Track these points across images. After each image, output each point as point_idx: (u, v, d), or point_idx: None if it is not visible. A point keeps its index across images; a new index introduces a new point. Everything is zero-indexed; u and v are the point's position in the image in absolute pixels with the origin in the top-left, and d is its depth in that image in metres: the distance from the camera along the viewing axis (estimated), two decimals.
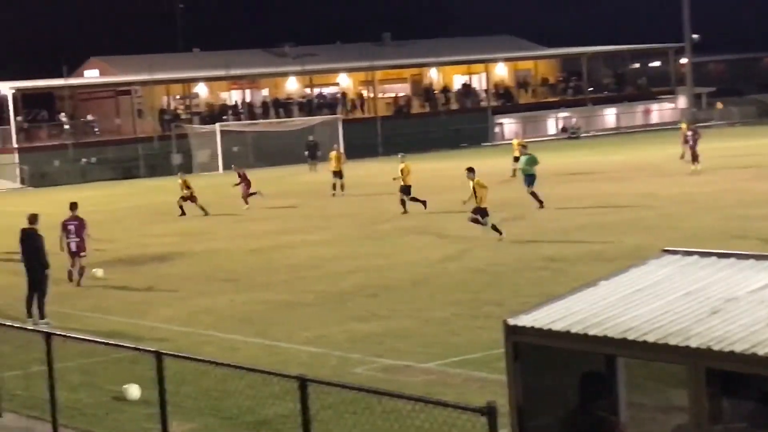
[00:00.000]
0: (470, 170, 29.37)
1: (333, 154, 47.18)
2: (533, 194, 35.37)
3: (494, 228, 28.53)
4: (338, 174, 45.72)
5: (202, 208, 40.28)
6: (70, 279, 25.79)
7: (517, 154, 46.54)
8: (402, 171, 37.05)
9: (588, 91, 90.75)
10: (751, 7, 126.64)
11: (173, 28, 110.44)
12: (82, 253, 25.88)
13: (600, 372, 7.69)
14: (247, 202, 41.72)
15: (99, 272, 26.84)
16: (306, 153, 66.55)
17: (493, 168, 47.75)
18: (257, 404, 12.33)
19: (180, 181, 42.28)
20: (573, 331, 7.18)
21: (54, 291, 22.73)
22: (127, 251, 31.44)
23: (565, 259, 24.60)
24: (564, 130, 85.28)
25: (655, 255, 8.26)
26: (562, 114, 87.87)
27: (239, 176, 43.21)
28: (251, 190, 42.21)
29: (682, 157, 48.91)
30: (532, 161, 36.26)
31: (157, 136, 72.83)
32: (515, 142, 49.11)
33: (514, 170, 45.35)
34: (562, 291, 8.43)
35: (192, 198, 40.88)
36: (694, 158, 44.61)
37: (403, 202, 36.70)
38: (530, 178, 35.93)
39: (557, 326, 7.30)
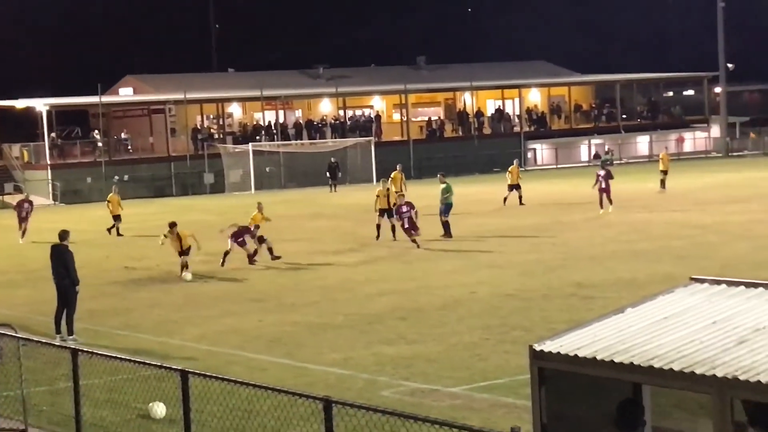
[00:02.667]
0: (172, 225, 30.26)
1: (395, 174, 46.36)
2: (447, 223, 35.91)
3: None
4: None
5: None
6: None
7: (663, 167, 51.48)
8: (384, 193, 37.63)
9: (621, 118, 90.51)
10: None
11: (208, 48, 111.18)
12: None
13: (638, 400, 7.64)
14: (23, 236, 42.04)
15: (188, 276, 28.98)
16: (327, 174, 66.87)
17: (525, 194, 47.67)
18: (282, 425, 12.33)
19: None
20: (599, 357, 7.14)
21: (84, 308, 22.84)
22: (158, 269, 31.56)
23: (595, 285, 24.52)
24: (596, 156, 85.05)
25: (683, 283, 8.21)
26: (595, 141, 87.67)
27: (20, 206, 43.51)
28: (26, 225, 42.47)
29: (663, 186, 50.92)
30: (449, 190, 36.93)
31: (189, 155, 73.18)
32: None
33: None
34: (591, 317, 8.39)
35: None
36: (606, 200, 41.89)
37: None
38: (449, 207, 36.36)
39: (583, 352, 7.26)
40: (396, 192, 44.34)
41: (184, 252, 29.73)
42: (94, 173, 70.00)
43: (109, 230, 42.73)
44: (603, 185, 42.00)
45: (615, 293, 22.88)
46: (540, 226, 38.12)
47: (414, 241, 33.57)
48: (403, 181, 46.00)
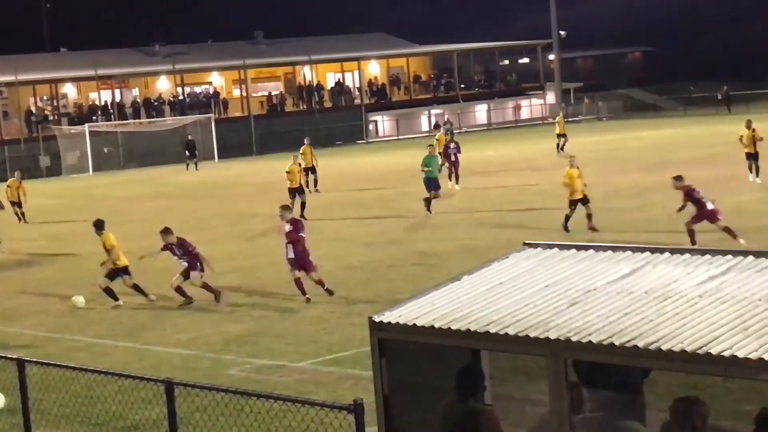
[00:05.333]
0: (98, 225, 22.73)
1: (304, 148, 42.97)
2: (427, 200, 33.05)
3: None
4: (312, 170, 42.16)
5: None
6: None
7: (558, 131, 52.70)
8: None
9: (459, 87, 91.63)
10: (617, 3, 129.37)
11: (39, 27, 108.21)
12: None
13: (477, 366, 7.74)
14: None
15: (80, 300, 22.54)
16: (186, 153, 65.87)
17: (367, 166, 47.87)
18: (126, 409, 12.16)
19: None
20: (437, 326, 7.21)
21: None
22: None
23: (438, 254, 24.81)
24: (436, 127, 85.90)
25: (517, 248, 8.35)
26: (435, 111, 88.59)
27: None
28: None
29: (561, 149, 51.52)
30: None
31: (23, 139, 71.26)
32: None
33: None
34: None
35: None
36: (454, 175, 40.24)
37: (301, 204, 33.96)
38: (429, 183, 33.55)
39: (421, 322, 7.32)
40: (304, 167, 39.50)
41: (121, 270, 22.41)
42: None
43: (20, 219, 39.80)
44: (453, 158, 40.62)
45: (457, 261, 23.18)
46: (383, 198, 38.36)
47: (303, 288, 21.04)
48: (313, 155, 42.47)
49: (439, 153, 44.43)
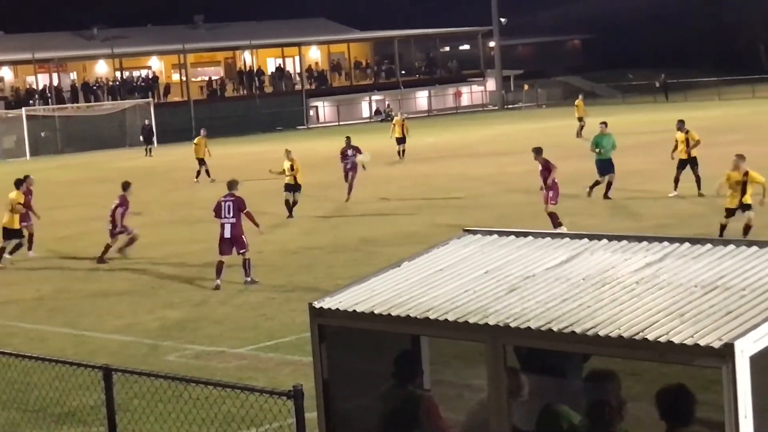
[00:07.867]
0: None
1: (199, 139, 43.39)
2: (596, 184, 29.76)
3: None
4: (202, 161, 42.94)
5: None
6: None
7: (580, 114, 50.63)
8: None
9: (400, 74, 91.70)
10: None
11: None
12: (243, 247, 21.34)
13: (414, 352, 7.77)
14: None
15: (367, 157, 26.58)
16: (141, 138, 65.20)
17: (307, 152, 47.79)
18: (63, 396, 12.02)
19: None
20: (377, 312, 7.21)
21: None
22: None
23: (377, 240, 24.84)
24: (377, 113, 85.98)
25: (457, 235, 8.38)
26: (375, 97, 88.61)
27: None
28: None
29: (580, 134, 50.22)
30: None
31: None
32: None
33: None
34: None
35: None
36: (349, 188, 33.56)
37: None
38: (602, 165, 29.92)
39: (361, 308, 7.32)
40: (197, 158, 41.86)
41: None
42: None
43: None
44: (349, 166, 34.11)
45: (398, 247, 23.22)
46: (324, 184, 38.28)
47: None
48: (207, 147, 42.74)
49: (397, 138, 45.22)
